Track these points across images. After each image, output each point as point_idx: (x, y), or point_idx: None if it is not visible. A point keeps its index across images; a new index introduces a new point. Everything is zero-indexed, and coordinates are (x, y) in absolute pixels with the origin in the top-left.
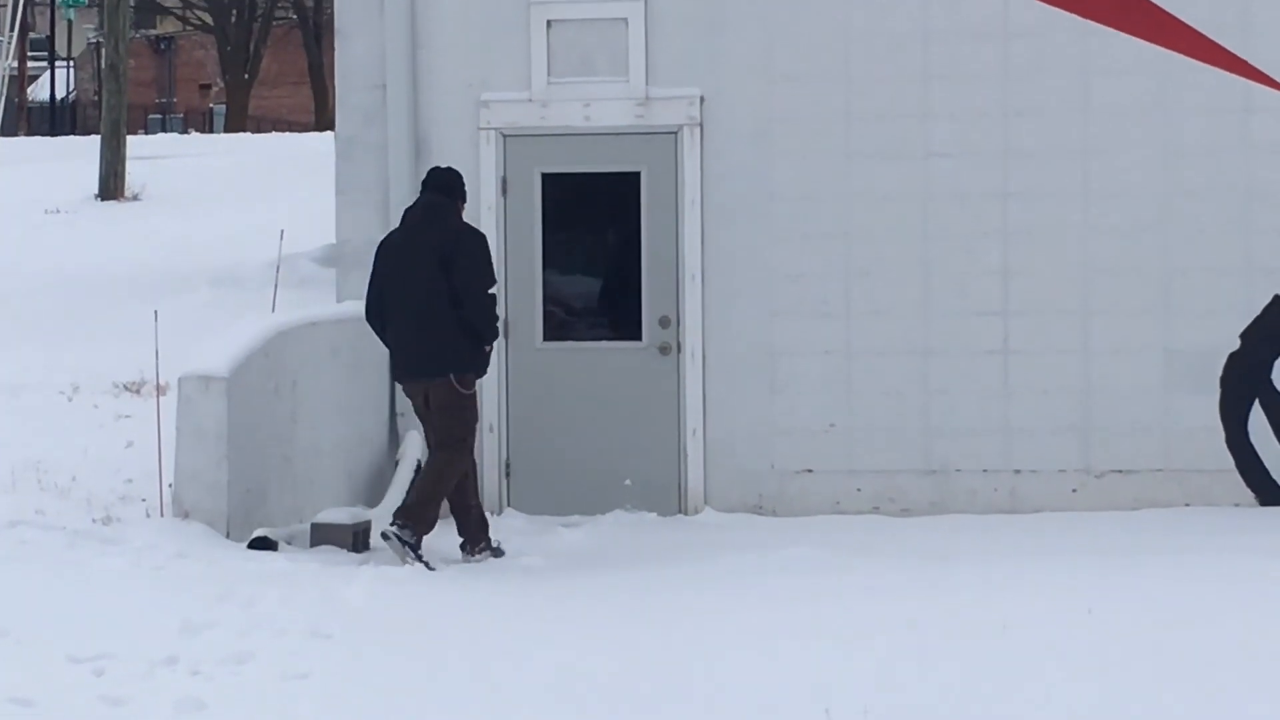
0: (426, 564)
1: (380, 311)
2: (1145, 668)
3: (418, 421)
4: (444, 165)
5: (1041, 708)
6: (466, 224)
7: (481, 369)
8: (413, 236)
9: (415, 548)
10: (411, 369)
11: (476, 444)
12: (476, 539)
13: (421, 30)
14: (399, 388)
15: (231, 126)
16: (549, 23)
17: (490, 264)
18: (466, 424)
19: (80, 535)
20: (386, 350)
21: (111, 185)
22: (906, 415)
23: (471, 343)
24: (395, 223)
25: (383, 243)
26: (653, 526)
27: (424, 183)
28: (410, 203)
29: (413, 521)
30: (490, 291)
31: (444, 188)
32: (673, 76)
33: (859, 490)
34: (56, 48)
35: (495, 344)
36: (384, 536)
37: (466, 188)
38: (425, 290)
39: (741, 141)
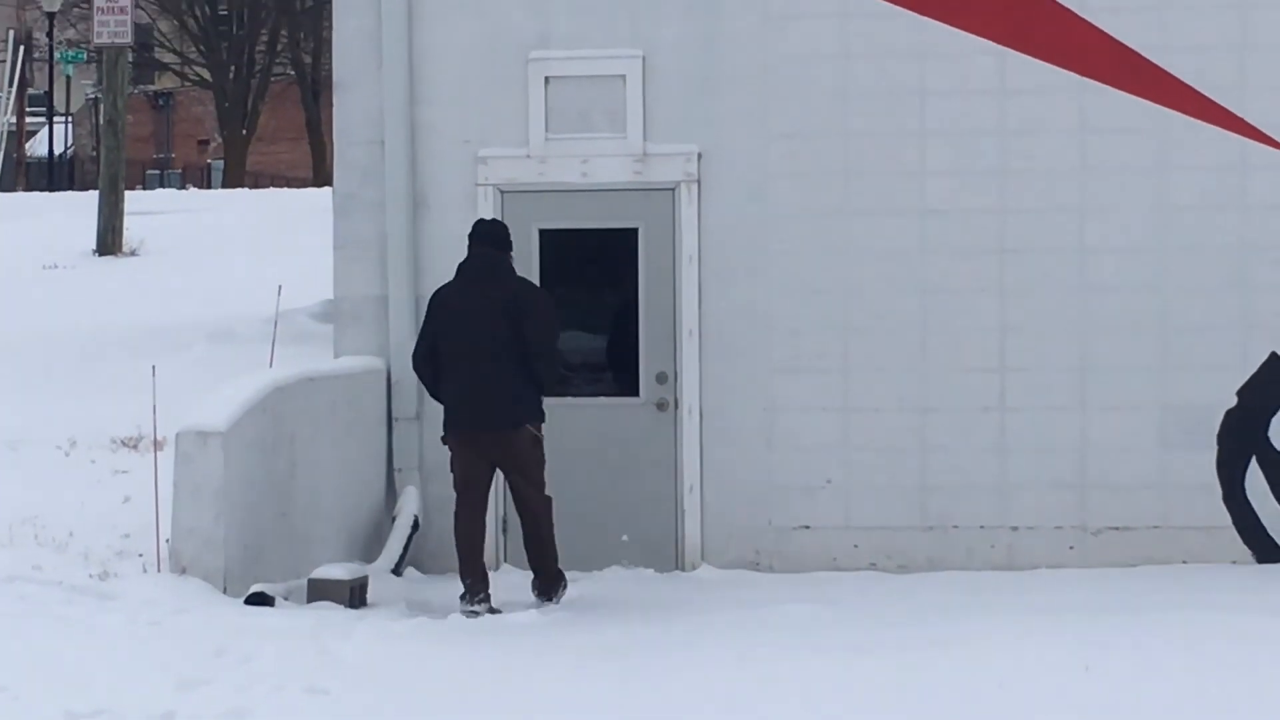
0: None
1: (433, 362)
2: None
3: (415, 477)
4: (488, 218)
5: None
6: (525, 279)
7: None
8: (477, 290)
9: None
10: (483, 421)
11: None
12: (477, 590)
13: (420, 86)
14: (394, 443)
15: (229, 182)
16: (547, 79)
17: (557, 318)
18: (543, 466)
19: (77, 590)
20: (386, 406)
21: (109, 240)
22: (903, 471)
23: (537, 391)
24: (391, 278)
25: (439, 295)
26: (650, 582)
27: (475, 235)
28: (405, 254)
29: (553, 585)
30: (558, 345)
31: (499, 241)
32: (670, 133)
33: (856, 546)
34: (55, 103)
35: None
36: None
37: (468, 244)
38: (497, 344)
39: (739, 198)
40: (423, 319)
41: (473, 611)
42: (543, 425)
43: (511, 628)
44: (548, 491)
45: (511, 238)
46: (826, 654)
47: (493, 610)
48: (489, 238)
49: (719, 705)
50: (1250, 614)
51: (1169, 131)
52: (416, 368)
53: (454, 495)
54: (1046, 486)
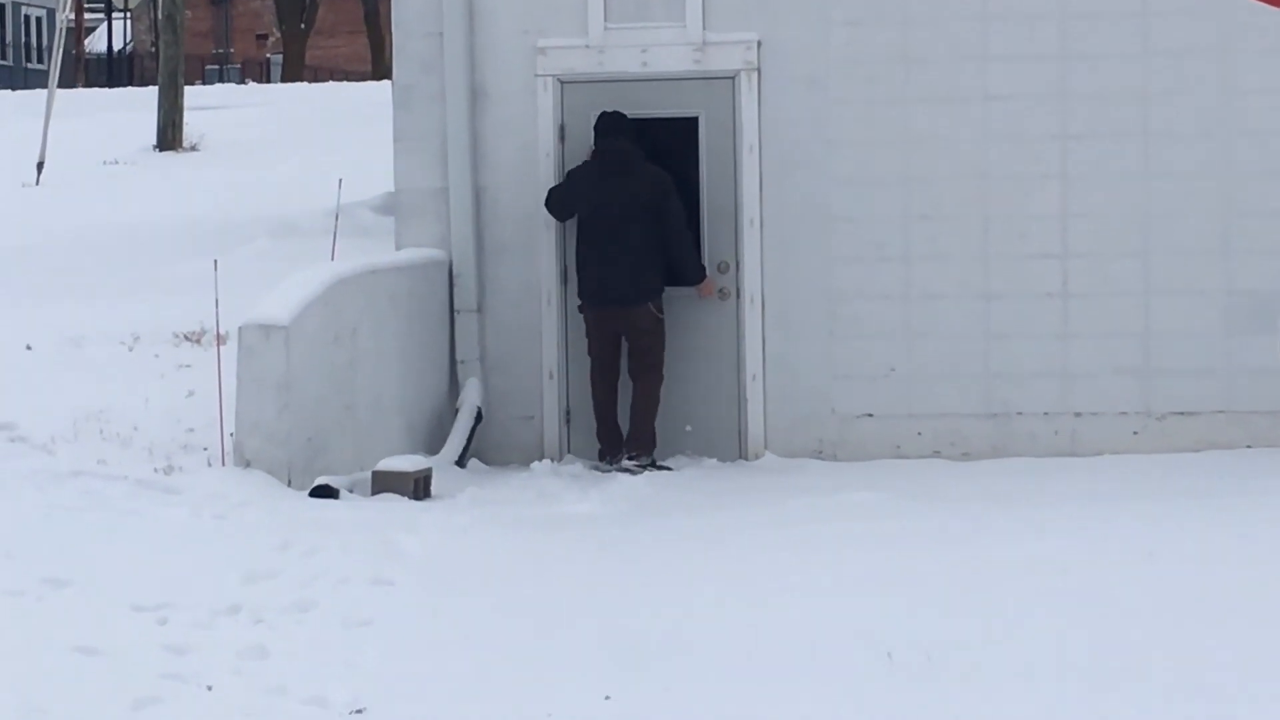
0: (666, 468)
1: (570, 217)
2: (1205, 611)
3: (478, 369)
4: (610, 110)
5: (1098, 649)
6: (658, 169)
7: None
8: (615, 183)
9: (654, 463)
10: (615, 298)
11: (536, 390)
12: (610, 450)
13: None
14: (456, 335)
15: (288, 76)
16: None
17: (681, 205)
18: (662, 345)
19: (142, 485)
20: (448, 299)
21: (169, 136)
22: (966, 359)
23: (661, 274)
24: (451, 170)
25: (577, 176)
26: (713, 472)
27: (605, 129)
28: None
29: (640, 448)
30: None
31: (628, 133)
32: (730, 21)
33: (919, 434)
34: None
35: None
36: (624, 470)
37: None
38: (635, 233)
39: (799, 86)
40: (560, 184)
41: (606, 468)
42: (662, 306)
43: (573, 518)
44: (664, 371)
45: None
46: (890, 543)
47: (622, 468)
48: (620, 130)
49: (786, 594)
50: None
51: (1232, 14)
52: (553, 210)
53: (515, 388)
54: (1110, 372)
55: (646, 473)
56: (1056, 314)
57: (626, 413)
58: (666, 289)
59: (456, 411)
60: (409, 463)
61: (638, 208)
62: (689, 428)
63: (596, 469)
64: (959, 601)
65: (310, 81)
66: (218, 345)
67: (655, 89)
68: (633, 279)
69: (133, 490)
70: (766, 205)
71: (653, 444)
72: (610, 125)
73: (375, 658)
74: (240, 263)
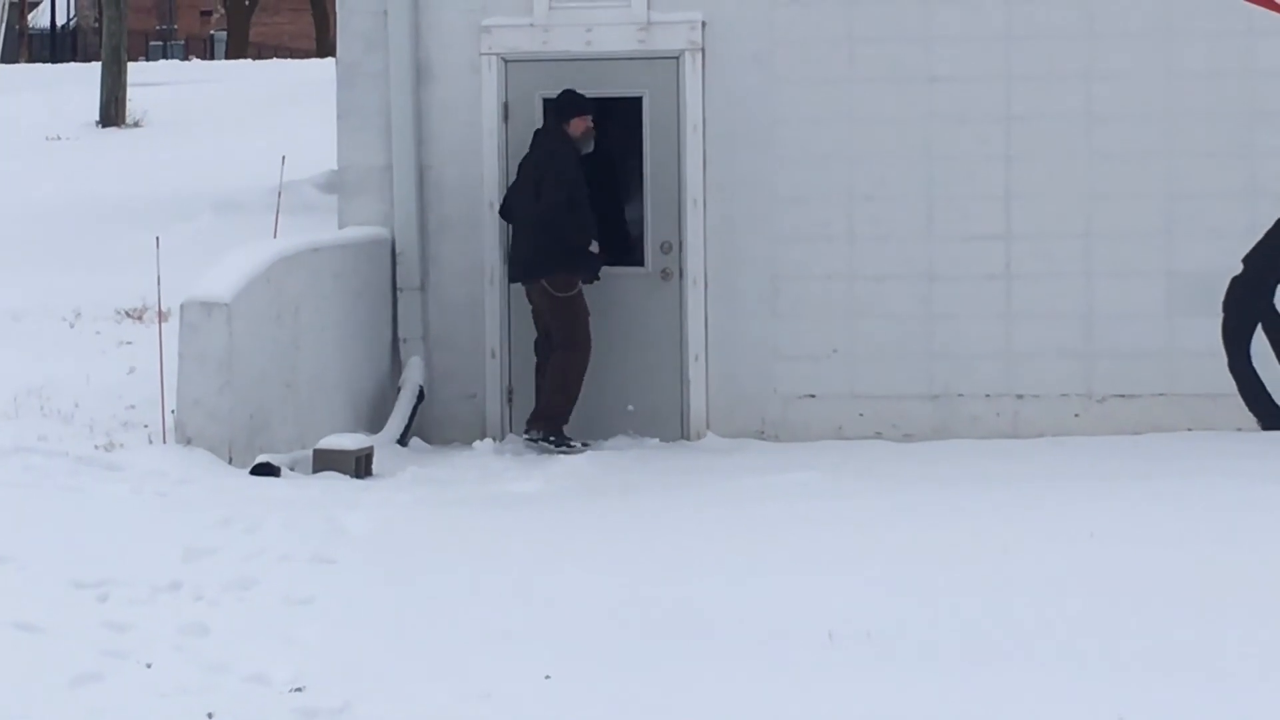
0: (579, 445)
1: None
2: (1145, 591)
3: (420, 347)
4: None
5: (1041, 629)
6: (556, 146)
7: (580, 272)
8: (529, 154)
9: (558, 442)
10: (515, 273)
11: (479, 369)
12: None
13: None
14: (399, 313)
15: (232, 53)
16: None
17: (568, 179)
18: (572, 321)
19: (83, 461)
20: (390, 277)
21: (112, 112)
22: (909, 340)
23: (564, 250)
24: (395, 148)
25: None
26: (655, 452)
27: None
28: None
29: (538, 424)
30: (563, 201)
31: (557, 109)
32: (674, 1)
33: (861, 415)
34: None
35: (588, 250)
36: (529, 443)
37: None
38: (525, 206)
39: (744, 66)
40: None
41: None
42: (570, 282)
43: (515, 498)
44: (581, 350)
45: (579, 103)
46: (831, 523)
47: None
48: (550, 106)
49: (720, 573)
50: (1254, 481)
51: None
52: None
53: (458, 366)
54: (1052, 354)
55: (586, 452)
56: (999, 295)
57: None
58: (607, 268)
59: (399, 390)
60: (351, 441)
61: (530, 184)
62: (631, 407)
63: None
64: (900, 581)
65: (254, 58)
66: (159, 322)
67: (600, 68)
68: (525, 255)
69: (74, 467)
70: (710, 185)
71: (556, 421)
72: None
73: (316, 635)
74: (183, 239)
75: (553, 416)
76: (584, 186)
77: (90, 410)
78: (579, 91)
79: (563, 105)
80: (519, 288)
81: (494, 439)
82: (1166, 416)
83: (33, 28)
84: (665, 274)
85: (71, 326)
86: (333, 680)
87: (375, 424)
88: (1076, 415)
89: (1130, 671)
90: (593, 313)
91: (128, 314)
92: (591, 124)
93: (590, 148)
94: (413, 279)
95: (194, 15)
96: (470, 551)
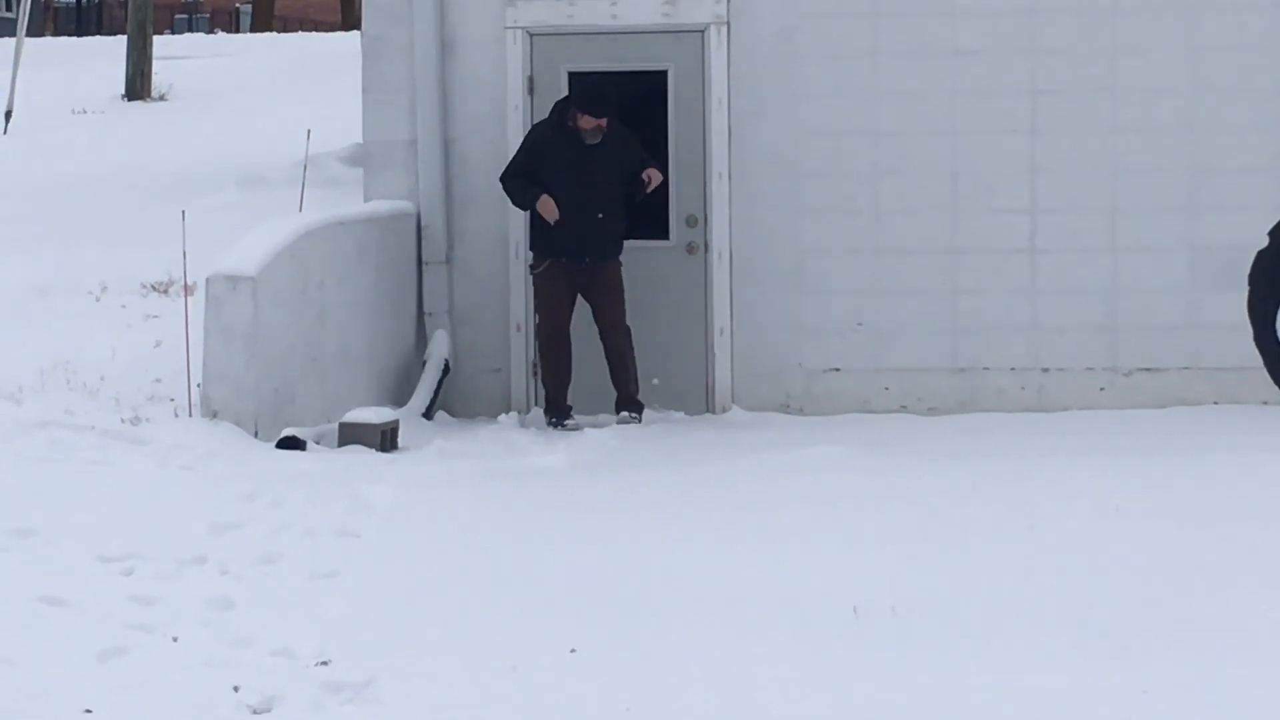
0: (558, 423)
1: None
2: (1171, 567)
3: (446, 321)
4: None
5: (1062, 604)
6: (545, 120)
7: (545, 252)
8: None
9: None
10: None
11: (503, 343)
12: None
13: None
14: (424, 287)
15: (258, 26)
16: None
17: (519, 152)
18: (539, 304)
19: (109, 435)
20: (416, 251)
21: (138, 86)
22: (934, 314)
23: (531, 225)
24: (420, 122)
25: None
26: (680, 425)
27: None
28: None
29: (636, 405)
30: (505, 179)
31: (572, 92)
32: None
33: (886, 389)
34: None
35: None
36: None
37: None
38: None
39: (769, 40)
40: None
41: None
42: (539, 262)
43: (540, 471)
44: (539, 333)
45: (591, 101)
46: (857, 497)
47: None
48: (572, 84)
49: (745, 548)
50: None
51: None
52: None
53: (483, 340)
54: (1077, 328)
55: (612, 426)
56: (1024, 269)
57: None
58: (630, 242)
59: (424, 364)
60: (376, 415)
61: None
62: (656, 381)
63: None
64: (925, 556)
65: (280, 31)
66: (185, 296)
67: (625, 42)
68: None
69: (99, 441)
70: (735, 159)
71: (548, 402)
72: None
73: (341, 609)
74: (208, 213)
75: (548, 399)
76: (533, 157)
77: (116, 384)
78: (604, 88)
79: (578, 93)
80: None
81: (519, 413)
82: (1192, 390)
83: (58, 2)
84: (691, 248)
85: (97, 300)
86: (358, 654)
87: (400, 398)
88: (1102, 389)
89: (1153, 647)
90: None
91: (154, 288)
92: (599, 124)
93: (595, 140)
94: (438, 253)
95: None
96: (495, 525)
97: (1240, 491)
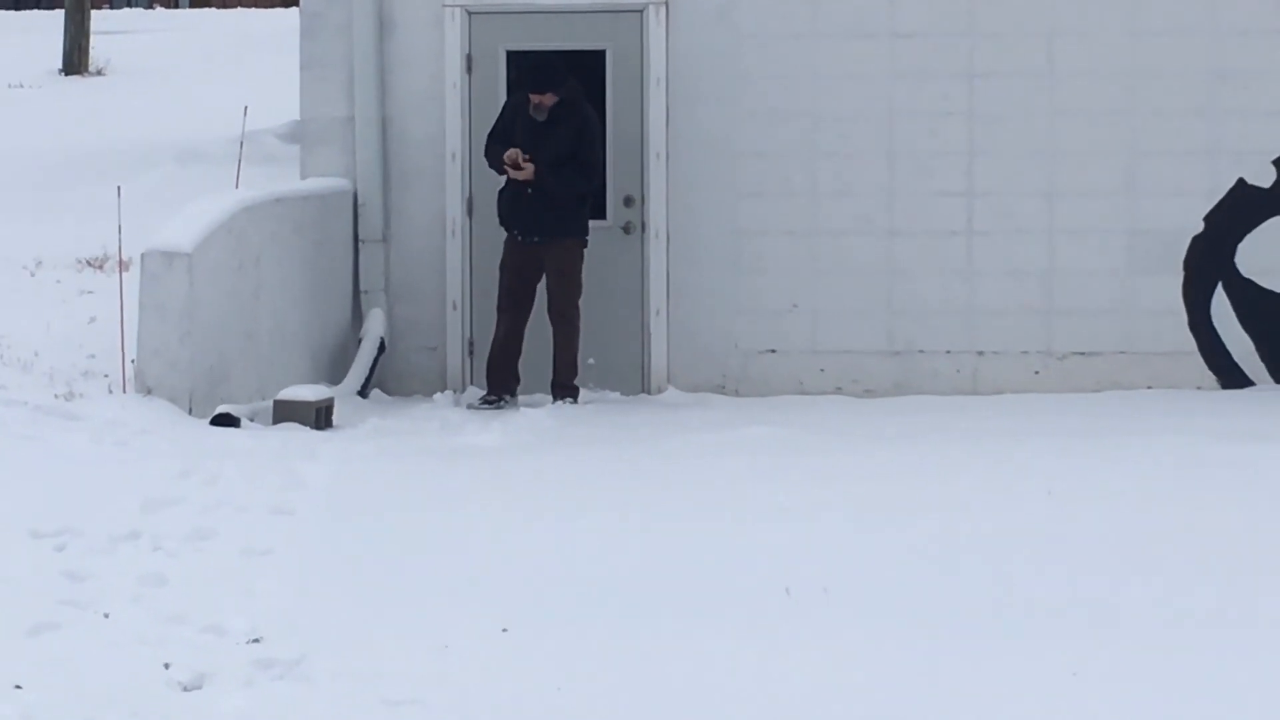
0: (495, 400)
1: None
2: (1102, 549)
3: (382, 299)
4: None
5: (994, 586)
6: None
7: (501, 225)
8: None
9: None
10: None
11: (439, 321)
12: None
13: None
14: (360, 265)
15: (197, 2)
16: None
17: (495, 120)
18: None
19: (42, 411)
20: (352, 229)
21: (75, 60)
22: (870, 296)
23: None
24: (358, 100)
25: None
26: (616, 406)
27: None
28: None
29: (570, 390)
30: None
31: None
32: None
33: (822, 371)
34: None
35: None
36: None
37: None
38: None
39: (707, 20)
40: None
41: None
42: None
43: (475, 450)
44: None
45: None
46: (787, 479)
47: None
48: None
49: (679, 528)
50: (1213, 439)
51: None
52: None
53: (419, 319)
54: (1013, 311)
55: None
56: (960, 252)
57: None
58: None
59: (360, 342)
60: (311, 392)
61: None
62: (591, 361)
63: None
64: (858, 538)
65: (219, 7)
66: (120, 272)
67: (563, 21)
68: None
69: (32, 416)
70: (673, 139)
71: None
72: None
73: (274, 587)
74: (145, 189)
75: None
76: (498, 125)
77: (50, 359)
78: (549, 64)
79: (525, 68)
80: (480, 239)
81: (454, 391)
82: (1127, 374)
83: None
84: (627, 228)
85: (32, 275)
86: (290, 631)
87: (336, 375)
88: (1037, 372)
89: (1080, 629)
90: None
91: (89, 263)
92: (541, 101)
93: (541, 116)
94: (375, 231)
95: None
96: (430, 504)
97: (1173, 474)
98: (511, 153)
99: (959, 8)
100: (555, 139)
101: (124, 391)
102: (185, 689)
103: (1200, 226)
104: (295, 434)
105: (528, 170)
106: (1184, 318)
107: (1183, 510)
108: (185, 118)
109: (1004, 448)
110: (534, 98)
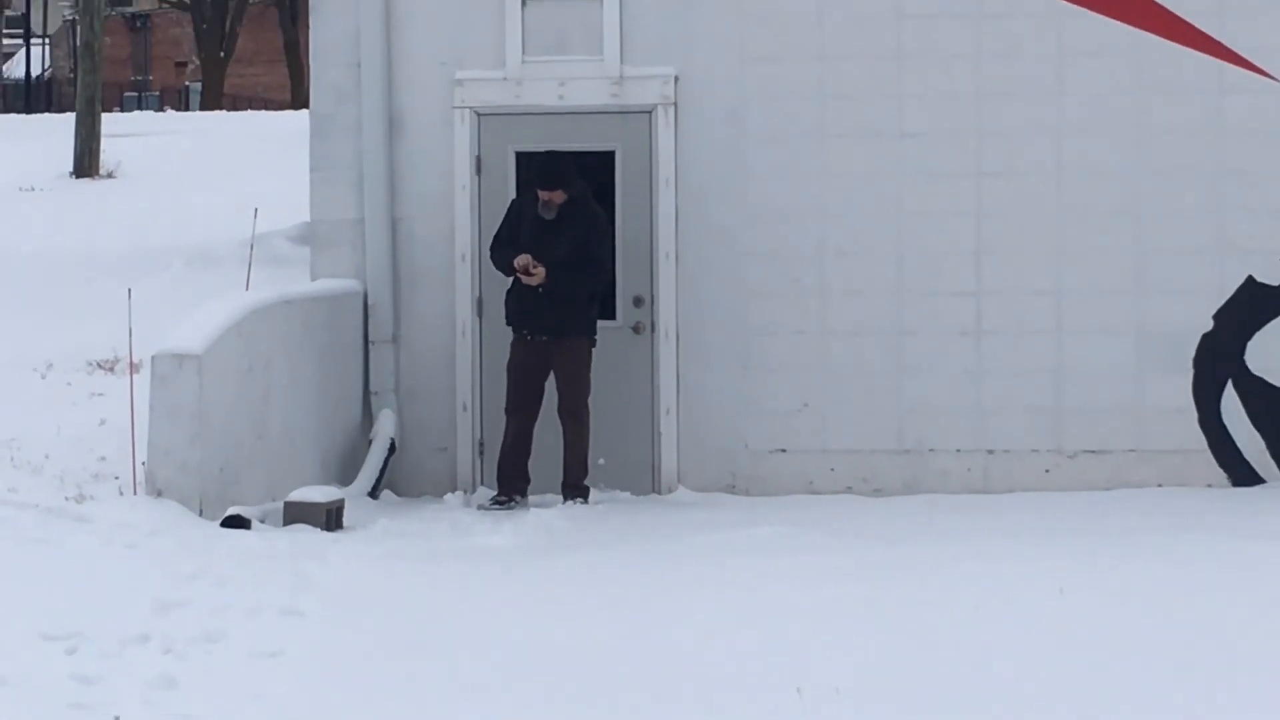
0: (506, 501)
1: None
2: (1114, 647)
3: (392, 400)
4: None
5: (1012, 686)
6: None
7: (509, 324)
8: None
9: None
10: None
11: (450, 422)
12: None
13: (396, 8)
14: (371, 366)
15: (207, 104)
16: (524, 1)
17: (500, 223)
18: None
19: (53, 513)
20: (362, 330)
21: (86, 163)
22: (880, 395)
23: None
24: (367, 201)
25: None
26: (627, 506)
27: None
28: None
29: (580, 490)
30: (491, 251)
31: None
32: (648, 56)
33: (832, 470)
34: (32, 25)
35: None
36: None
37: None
38: None
39: (716, 121)
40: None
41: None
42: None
43: (486, 551)
44: (507, 406)
45: (540, 177)
46: (799, 578)
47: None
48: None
49: (691, 627)
50: (1225, 537)
51: (1146, 55)
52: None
53: (430, 419)
54: (1023, 410)
55: (558, 506)
56: (970, 351)
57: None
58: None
59: (370, 443)
60: (321, 494)
61: None
62: (601, 461)
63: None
64: (870, 637)
65: (229, 110)
66: (131, 373)
67: (573, 122)
68: None
69: (43, 518)
70: (682, 239)
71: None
72: None
73: (284, 689)
74: (155, 291)
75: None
76: (509, 226)
77: (61, 461)
78: (558, 162)
79: (534, 166)
80: (490, 340)
81: (465, 492)
82: (1137, 472)
83: (7, 78)
84: (637, 328)
85: (43, 377)
86: None
87: (346, 476)
88: (1047, 471)
89: None
90: None
91: (99, 365)
92: (550, 198)
93: (549, 214)
94: (385, 331)
95: (169, 67)
96: (440, 605)
97: (1185, 573)
98: (522, 259)
99: (967, 107)
100: (564, 238)
101: (134, 493)
102: None
103: (1209, 324)
104: (305, 536)
105: (539, 275)
106: (1194, 415)
107: (1195, 608)
108: (196, 220)
109: (1015, 546)
110: (543, 194)
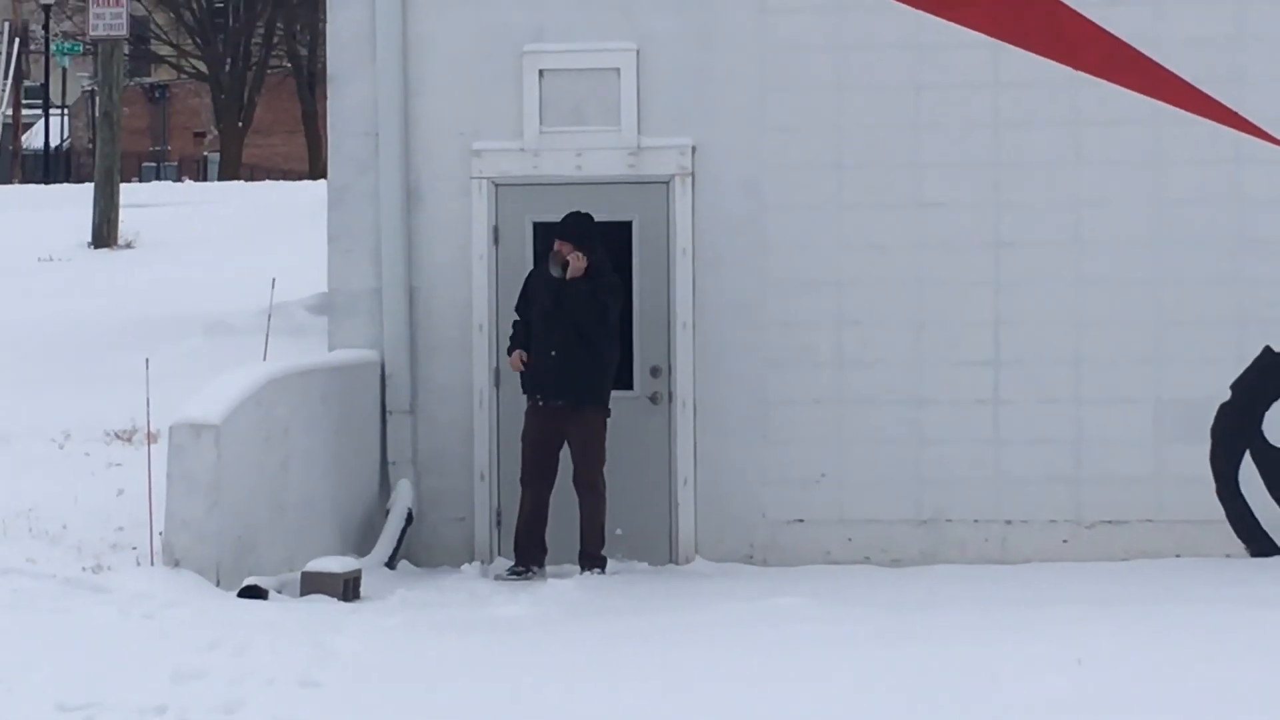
0: (523, 571)
1: None
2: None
3: (409, 470)
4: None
5: None
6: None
7: (525, 390)
8: None
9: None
10: None
11: (467, 492)
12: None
13: (414, 78)
14: (388, 436)
15: (225, 174)
16: (541, 72)
17: (518, 294)
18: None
19: (71, 583)
20: (380, 400)
21: (105, 233)
22: (898, 465)
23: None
24: (385, 271)
25: None
26: (644, 576)
27: None
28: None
29: (597, 561)
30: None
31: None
32: (665, 126)
33: (850, 540)
34: (51, 95)
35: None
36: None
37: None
38: None
39: (733, 191)
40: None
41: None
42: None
43: (503, 622)
44: (524, 490)
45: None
46: (817, 648)
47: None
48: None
49: (709, 699)
50: (1244, 606)
51: (1163, 125)
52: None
53: (447, 489)
54: (1041, 480)
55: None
56: (988, 420)
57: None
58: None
59: (387, 513)
60: (338, 564)
61: None
62: (619, 531)
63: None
64: (891, 709)
65: (247, 180)
66: (148, 443)
67: (590, 192)
68: None
69: (61, 589)
70: (699, 309)
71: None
72: None
73: None
74: (173, 361)
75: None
76: (523, 298)
77: (78, 532)
78: (581, 218)
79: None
80: (507, 410)
81: (482, 561)
82: (1155, 543)
83: (26, 149)
84: (655, 398)
85: (61, 448)
86: None
87: (364, 546)
88: (1065, 541)
89: None
90: None
91: (117, 435)
92: (560, 249)
93: (556, 272)
94: (402, 402)
95: (187, 137)
96: (458, 676)
97: (1203, 642)
98: (514, 360)
99: (984, 177)
100: (578, 300)
101: (152, 564)
102: None
103: (1227, 394)
104: (323, 606)
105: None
106: (1212, 486)
107: (1215, 678)
108: (213, 290)
109: (1032, 616)
110: (556, 244)
